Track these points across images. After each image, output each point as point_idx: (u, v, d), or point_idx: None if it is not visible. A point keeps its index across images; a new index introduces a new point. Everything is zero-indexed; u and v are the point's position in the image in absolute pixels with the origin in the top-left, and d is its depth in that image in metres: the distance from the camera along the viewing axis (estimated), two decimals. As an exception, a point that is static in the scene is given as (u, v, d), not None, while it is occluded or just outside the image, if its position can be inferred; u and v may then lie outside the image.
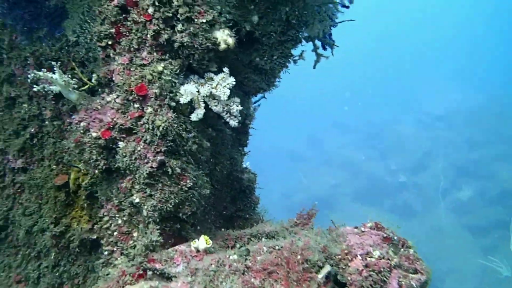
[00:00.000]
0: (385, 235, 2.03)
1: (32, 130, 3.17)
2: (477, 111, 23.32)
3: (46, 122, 3.12)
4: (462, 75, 30.87)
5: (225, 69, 2.37)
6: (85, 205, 2.91)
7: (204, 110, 2.38)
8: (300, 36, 2.54)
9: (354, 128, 25.44)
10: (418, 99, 28.07)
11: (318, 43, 2.72)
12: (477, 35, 38.96)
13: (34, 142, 3.19)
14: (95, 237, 2.81)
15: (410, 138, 23.00)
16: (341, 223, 2.31)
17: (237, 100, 2.46)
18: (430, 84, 29.93)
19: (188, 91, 2.34)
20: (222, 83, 2.36)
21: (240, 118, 2.52)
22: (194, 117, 2.38)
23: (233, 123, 2.42)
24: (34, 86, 2.55)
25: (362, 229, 2.10)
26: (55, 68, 2.51)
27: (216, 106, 2.43)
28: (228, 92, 2.35)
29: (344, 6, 2.57)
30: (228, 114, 2.44)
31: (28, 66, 3.13)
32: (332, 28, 2.66)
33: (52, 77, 2.46)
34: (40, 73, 2.44)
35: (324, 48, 2.77)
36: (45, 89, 2.56)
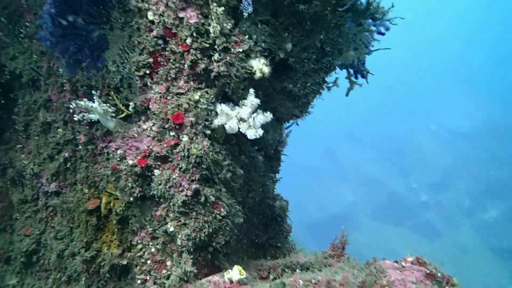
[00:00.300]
0: (428, 271, 1.95)
1: (66, 155, 3.23)
2: (502, 127, 22.74)
3: (80, 147, 3.18)
4: (486, 90, 30.27)
5: (256, 99, 2.34)
6: (116, 229, 2.92)
7: (236, 124, 2.34)
8: (334, 63, 2.54)
9: (371, 143, 25.13)
10: (437, 113, 27.62)
11: (352, 70, 2.71)
12: (502, 52, 38.25)
13: (68, 166, 3.25)
14: (125, 262, 2.82)
15: (430, 155, 22.57)
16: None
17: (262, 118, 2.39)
18: (450, 98, 29.45)
19: (224, 111, 2.35)
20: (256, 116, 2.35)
21: (261, 131, 2.48)
22: (228, 129, 2.35)
23: (252, 133, 2.31)
24: (75, 115, 2.61)
25: (403, 264, 2.03)
26: (94, 97, 2.58)
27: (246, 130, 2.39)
28: (260, 124, 2.33)
29: (380, 33, 2.57)
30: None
31: (64, 92, 3.22)
32: (367, 55, 2.66)
33: (92, 106, 2.52)
34: (82, 102, 2.51)
35: (357, 76, 2.76)
36: (84, 118, 2.62)
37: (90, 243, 3.02)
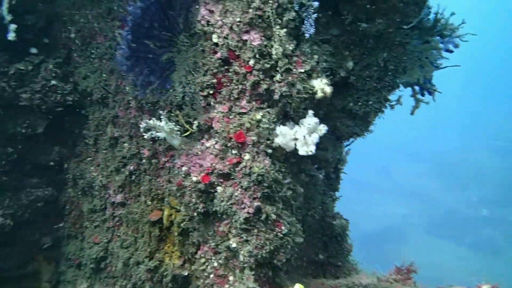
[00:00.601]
0: (504, 301, 1.87)
1: (131, 168, 3.46)
2: None
3: (144, 161, 3.39)
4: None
5: (314, 119, 2.37)
6: (177, 241, 3.07)
7: (293, 142, 2.39)
8: (397, 81, 2.53)
9: (424, 156, 24.06)
10: (497, 127, 25.90)
11: (417, 88, 2.67)
12: None
13: (133, 178, 3.47)
14: (186, 273, 2.95)
15: (488, 168, 21.18)
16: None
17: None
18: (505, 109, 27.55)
19: (283, 132, 2.41)
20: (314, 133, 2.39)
21: (314, 148, 2.50)
22: (285, 146, 2.40)
23: (304, 150, 2.34)
24: (145, 133, 2.81)
25: (476, 291, 1.96)
26: (161, 117, 2.75)
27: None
28: (315, 142, 2.36)
29: (448, 51, 2.51)
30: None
31: (130, 109, 3.46)
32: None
33: (159, 125, 2.70)
34: (151, 122, 2.69)
35: (423, 94, 2.71)
36: (153, 136, 2.80)
37: (153, 253, 3.20)
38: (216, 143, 2.62)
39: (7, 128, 3.59)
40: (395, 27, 2.28)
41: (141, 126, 2.90)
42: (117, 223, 3.55)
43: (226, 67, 2.54)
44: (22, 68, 3.53)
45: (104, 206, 3.65)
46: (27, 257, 3.68)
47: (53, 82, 3.64)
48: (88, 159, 3.79)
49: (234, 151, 2.52)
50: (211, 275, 2.54)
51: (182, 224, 2.89)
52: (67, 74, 3.72)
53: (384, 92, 2.55)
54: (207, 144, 2.67)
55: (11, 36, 3.29)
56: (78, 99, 3.76)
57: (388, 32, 2.31)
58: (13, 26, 3.27)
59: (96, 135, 3.72)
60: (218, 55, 2.53)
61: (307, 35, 2.33)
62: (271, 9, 2.28)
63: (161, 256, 3.16)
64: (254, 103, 2.48)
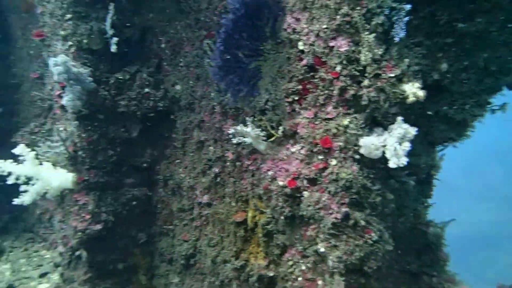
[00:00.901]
0: None
1: (217, 170, 3.71)
2: None
3: (228, 163, 3.62)
4: None
5: (404, 125, 2.35)
6: (262, 242, 3.25)
7: (381, 152, 2.39)
8: (500, 84, 2.40)
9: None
10: None
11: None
12: None
13: (218, 180, 3.72)
14: (271, 274, 3.11)
15: None
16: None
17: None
18: None
19: (366, 144, 2.44)
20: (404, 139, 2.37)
21: (406, 160, 2.47)
22: (373, 156, 2.41)
23: (394, 162, 2.31)
24: (233, 138, 3.02)
25: None
26: (248, 123, 2.94)
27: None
28: (405, 152, 2.34)
29: None
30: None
31: (215, 114, 3.72)
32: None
33: (246, 131, 2.89)
34: (238, 128, 2.89)
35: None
36: (240, 141, 3.00)
37: (239, 252, 3.42)
38: (301, 148, 2.73)
39: (108, 132, 4.07)
40: (498, 26, 2.18)
41: (229, 131, 3.12)
42: (204, 223, 3.83)
43: (311, 73, 2.63)
44: (120, 77, 3.98)
45: (192, 206, 3.96)
46: (126, 251, 4.14)
47: (147, 89, 4.04)
48: (177, 161, 4.14)
49: (320, 157, 2.61)
50: (299, 278, 2.66)
51: (267, 226, 3.05)
52: (158, 82, 4.10)
53: (484, 95, 2.44)
54: (293, 149, 2.79)
55: (113, 48, 3.72)
56: (167, 105, 4.12)
57: (490, 31, 2.21)
58: (115, 39, 3.70)
59: (184, 138, 4.05)
60: (304, 62, 2.63)
61: (397, 39, 2.32)
62: (359, 15, 2.31)
63: (246, 256, 3.36)
64: (340, 108, 2.54)
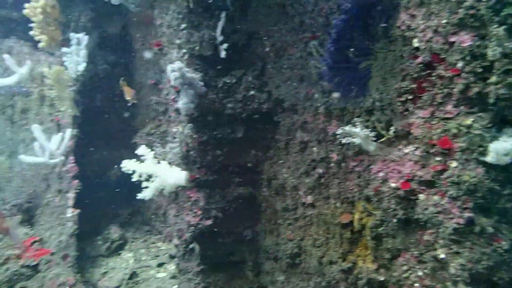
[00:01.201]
0: None
1: (320, 171, 3.80)
2: None
3: (332, 164, 3.68)
4: None
5: None
6: (370, 245, 3.25)
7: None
8: None
9: None
10: None
11: None
12: None
13: (322, 181, 3.81)
14: (382, 278, 3.10)
15: None
16: None
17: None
18: None
19: (498, 149, 2.31)
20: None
21: None
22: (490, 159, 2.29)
23: None
24: (342, 139, 3.09)
25: None
26: (356, 123, 2.98)
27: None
28: None
29: None
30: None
31: (319, 115, 3.81)
32: None
33: (355, 131, 2.93)
34: (347, 128, 2.95)
35: None
36: (348, 142, 3.06)
37: (345, 254, 3.47)
38: (416, 149, 2.68)
39: (216, 133, 4.42)
40: None
41: (336, 132, 3.19)
42: (308, 223, 3.95)
43: (428, 71, 2.57)
44: (228, 81, 4.30)
45: (295, 206, 4.11)
46: (233, 247, 4.46)
47: (252, 92, 4.31)
48: (280, 161, 4.33)
49: (437, 158, 2.54)
50: (416, 284, 2.63)
51: (376, 229, 3.05)
52: (262, 85, 4.34)
53: None
54: (406, 150, 2.76)
55: (222, 54, 4.05)
56: (271, 107, 4.34)
57: None
58: (224, 45, 4.02)
59: (287, 139, 4.22)
60: (419, 59, 2.59)
61: (531, 30, 2.17)
62: (487, 6, 2.21)
63: (353, 258, 3.39)
64: (462, 107, 2.44)
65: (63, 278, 4.55)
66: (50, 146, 4.88)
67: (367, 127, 3.08)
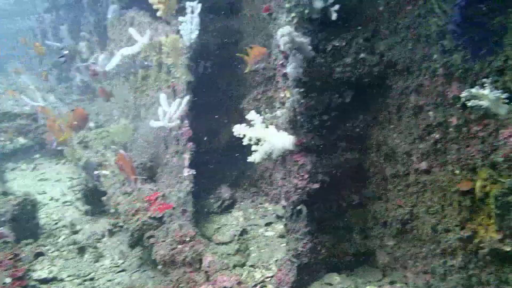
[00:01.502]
0: None
1: (437, 136, 3.67)
2: None
3: (451, 129, 3.54)
4: None
5: None
6: (494, 214, 3.11)
7: None
8: None
9: None
10: None
11: None
12: None
13: (438, 147, 3.69)
14: (508, 249, 2.98)
15: None
16: None
17: None
18: None
19: None
20: None
21: None
22: None
23: None
24: (467, 102, 2.96)
25: None
26: (485, 84, 2.82)
27: None
28: None
29: None
30: None
31: (437, 77, 3.64)
32: None
33: (483, 93, 2.78)
34: (473, 90, 2.81)
35: None
36: (473, 104, 2.92)
37: (464, 222, 3.38)
38: (559, 111, 2.48)
39: (324, 98, 4.49)
40: None
41: (460, 95, 3.05)
42: (421, 189, 3.89)
43: None
44: (337, 44, 4.29)
45: (407, 172, 4.05)
46: (340, 211, 4.59)
47: (362, 55, 4.25)
48: (391, 126, 4.26)
49: None
50: (549, 256, 2.50)
51: (504, 198, 2.92)
52: (373, 47, 4.24)
53: None
54: (546, 113, 2.56)
55: (333, 16, 4.02)
56: (383, 70, 4.24)
57: None
58: (336, 7, 3.99)
59: (399, 103, 4.12)
60: None
61: None
62: None
63: (474, 226, 3.29)
64: None
65: (184, 230, 5.16)
66: (170, 110, 5.44)
67: (496, 88, 2.90)
